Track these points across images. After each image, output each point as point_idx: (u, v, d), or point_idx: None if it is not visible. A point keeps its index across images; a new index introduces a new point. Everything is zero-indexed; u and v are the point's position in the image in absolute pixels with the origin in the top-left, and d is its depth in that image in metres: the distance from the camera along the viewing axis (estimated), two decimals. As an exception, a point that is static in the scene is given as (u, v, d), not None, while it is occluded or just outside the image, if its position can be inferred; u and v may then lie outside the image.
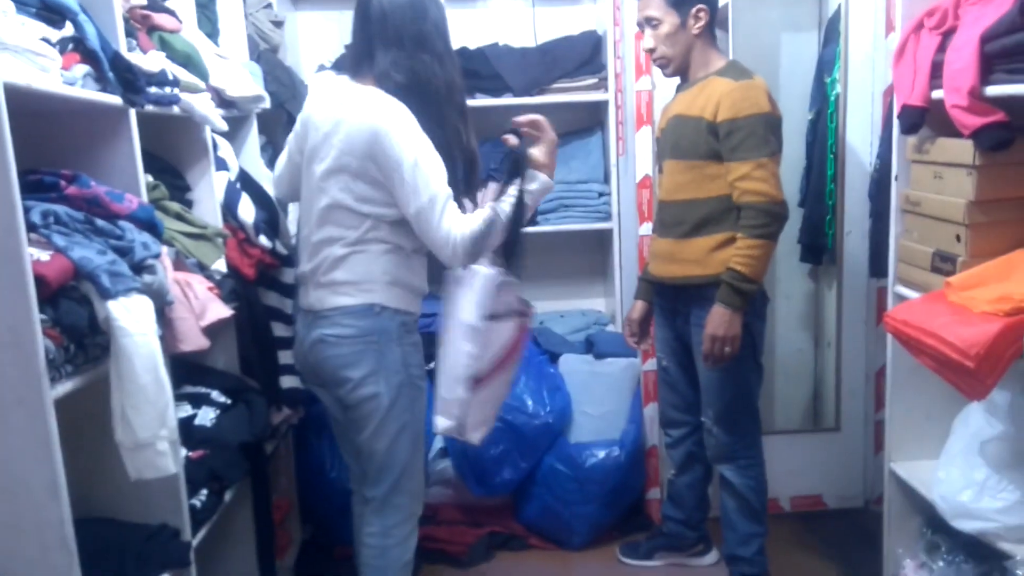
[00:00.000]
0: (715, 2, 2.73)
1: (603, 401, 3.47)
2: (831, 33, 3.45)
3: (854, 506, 3.68)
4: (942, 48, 2.16)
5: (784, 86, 3.64)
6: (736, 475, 2.88)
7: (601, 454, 3.34)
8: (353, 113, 2.18)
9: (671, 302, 2.91)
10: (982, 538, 2.17)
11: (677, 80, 2.88)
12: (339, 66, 2.48)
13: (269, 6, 3.22)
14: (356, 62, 2.27)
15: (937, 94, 2.16)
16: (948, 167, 2.23)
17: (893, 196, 2.51)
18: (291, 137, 2.45)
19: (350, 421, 2.35)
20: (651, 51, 2.75)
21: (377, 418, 2.29)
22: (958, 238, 2.20)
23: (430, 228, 2.16)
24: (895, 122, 2.45)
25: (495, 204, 2.20)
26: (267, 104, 2.84)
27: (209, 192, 2.47)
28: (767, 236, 2.58)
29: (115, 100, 1.87)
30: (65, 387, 1.61)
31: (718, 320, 2.62)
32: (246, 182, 2.72)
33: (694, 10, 2.68)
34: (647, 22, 2.72)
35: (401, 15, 2.20)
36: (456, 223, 2.16)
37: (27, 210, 1.60)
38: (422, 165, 2.13)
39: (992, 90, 1.95)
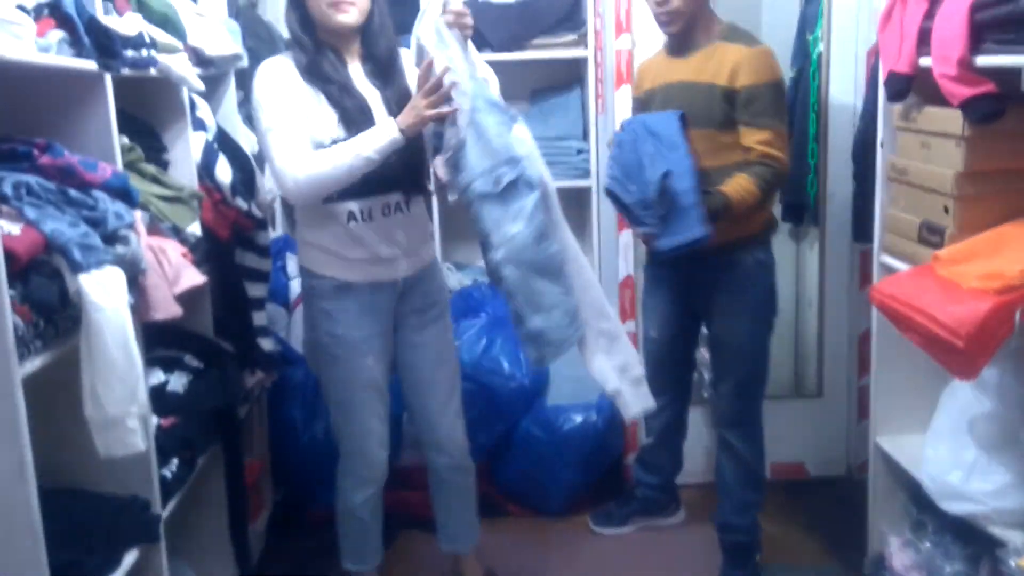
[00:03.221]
0: None
1: (580, 362, 3.45)
2: (813, -9, 3.42)
3: (836, 474, 3.66)
4: (930, 15, 2.12)
5: (765, 42, 3.59)
6: (741, 440, 2.85)
7: (578, 418, 3.33)
8: None
9: (688, 270, 2.78)
10: (971, 521, 2.14)
11: (653, 39, 2.89)
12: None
13: (250, -39, 3.16)
14: None
15: (925, 61, 2.12)
16: (936, 136, 2.20)
17: (879, 163, 2.49)
18: None
19: None
20: (662, 2, 2.57)
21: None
22: (946, 209, 2.17)
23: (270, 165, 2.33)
24: (880, 86, 2.42)
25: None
26: (245, 63, 2.81)
27: (186, 153, 2.44)
28: (766, 192, 2.60)
29: (90, 65, 1.83)
30: (34, 364, 1.59)
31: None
32: (223, 141, 2.69)
33: None
34: None
35: None
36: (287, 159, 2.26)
37: (-1, 181, 1.58)
38: (257, 109, 2.32)
39: (983, 60, 1.91)
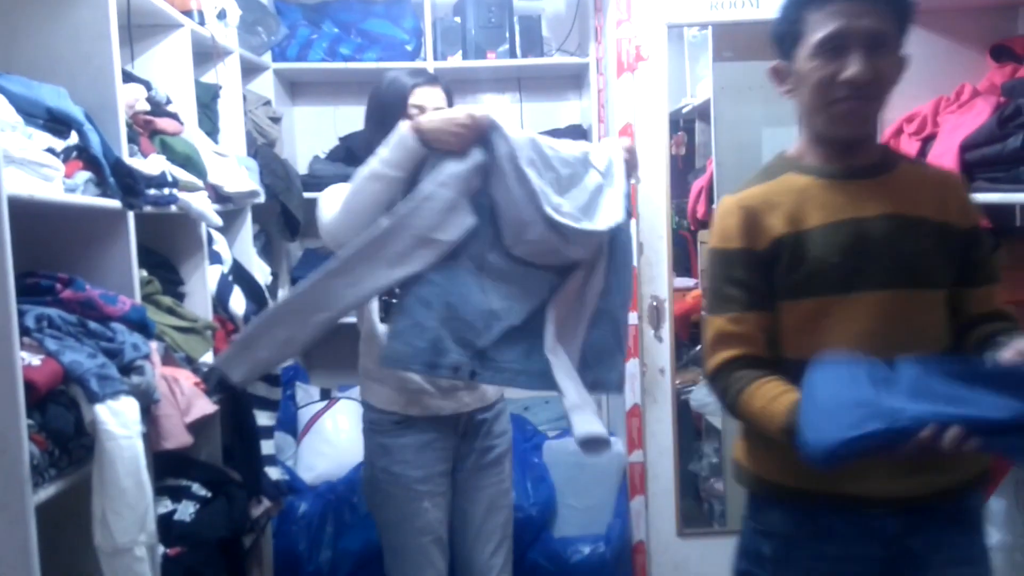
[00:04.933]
0: None
1: (588, 493, 3.41)
2: (812, 129, 3.52)
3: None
4: (922, 153, 2.23)
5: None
6: None
7: (586, 550, 3.27)
8: None
9: (888, 534, 1.61)
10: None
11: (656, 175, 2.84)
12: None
13: (268, 103, 3.31)
14: None
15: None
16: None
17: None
18: None
19: None
20: (861, 83, 1.54)
21: None
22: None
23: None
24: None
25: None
26: (261, 199, 2.91)
27: (202, 285, 2.52)
28: None
29: (114, 204, 1.92)
30: (47, 492, 1.63)
31: None
32: (238, 274, 2.77)
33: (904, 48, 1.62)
34: (871, 40, 1.54)
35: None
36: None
37: (22, 314, 1.65)
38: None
39: (974, 197, 1.98)
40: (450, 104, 2.29)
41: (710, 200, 3.62)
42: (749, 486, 1.76)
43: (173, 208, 2.24)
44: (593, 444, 1.97)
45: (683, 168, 3.83)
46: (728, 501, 3.66)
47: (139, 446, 1.75)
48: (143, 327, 1.97)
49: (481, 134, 1.93)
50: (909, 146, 2.32)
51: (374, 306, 2.25)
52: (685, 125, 4.05)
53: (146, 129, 2.22)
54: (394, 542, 2.34)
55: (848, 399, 1.39)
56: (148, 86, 2.26)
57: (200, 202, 2.36)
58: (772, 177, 1.68)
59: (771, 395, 1.55)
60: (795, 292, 1.61)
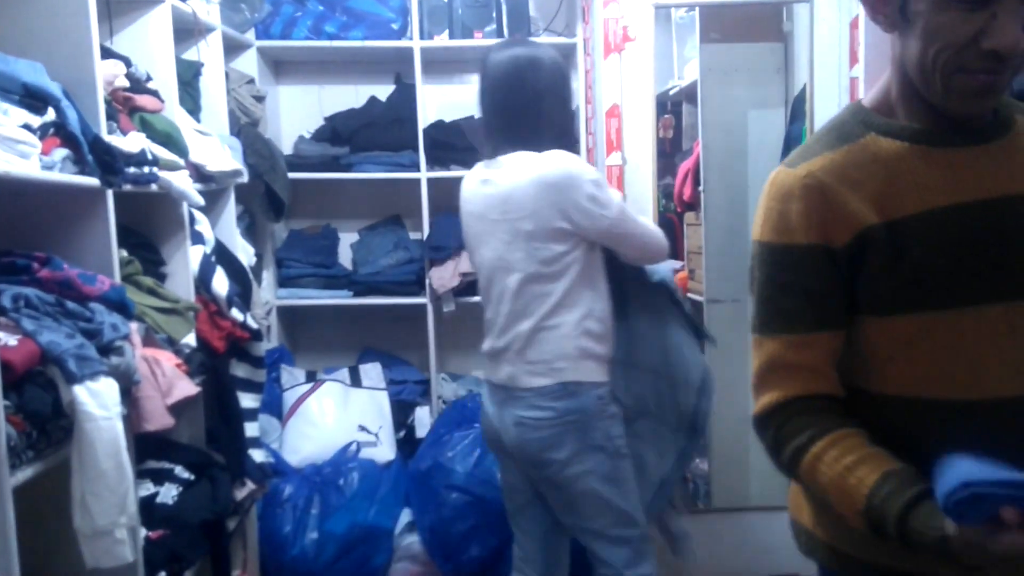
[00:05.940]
0: None
1: None
2: (797, 111, 3.51)
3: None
4: None
5: (752, 161, 3.69)
6: None
7: (571, 532, 3.31)
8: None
9: None
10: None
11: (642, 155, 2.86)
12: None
13: (252, 81, 3.27)
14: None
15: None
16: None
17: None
18: None
19: (559, 501, 2.36)
20: (1010, 57, 1.11)
21: (592, 497, 2.29)
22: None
23: (636, 226, 2.33)
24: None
25: None
26: (245, 178, 2.88)
27: (184, 266, 2.48)
28: None
29: (93, 182, 1.89)
30: (25, 474, 1.60)
31: None
32: (221, 255, 2.74)
33: None
34: None
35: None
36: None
37: (-2, 294, 1.62)
38: (603, 187, 2.28)
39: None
40: None
41: (696, 182, 3.61)
42: (824, 561, 1.38)
43: (153, 187, 2.21)
44: None
45: (670, 151, 3.80)
46: (712, 480, 3.66)
47: (119, 427, 1.73)
48: (122, 307, 1.94)
49: None
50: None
51: (599, 289, 2.34)
52: (672, 107, 4.02)
53: (125, 106, 2.18)
54: (632, 498, 2.36)
55: (989, 468, 1.01)
56: (128, 62, 2.23)
57: (181, 181, 2.33)
58: (848, 141, 1.24)
59: (845, 463, 1.16)
60: (885, 306, 1.21)
